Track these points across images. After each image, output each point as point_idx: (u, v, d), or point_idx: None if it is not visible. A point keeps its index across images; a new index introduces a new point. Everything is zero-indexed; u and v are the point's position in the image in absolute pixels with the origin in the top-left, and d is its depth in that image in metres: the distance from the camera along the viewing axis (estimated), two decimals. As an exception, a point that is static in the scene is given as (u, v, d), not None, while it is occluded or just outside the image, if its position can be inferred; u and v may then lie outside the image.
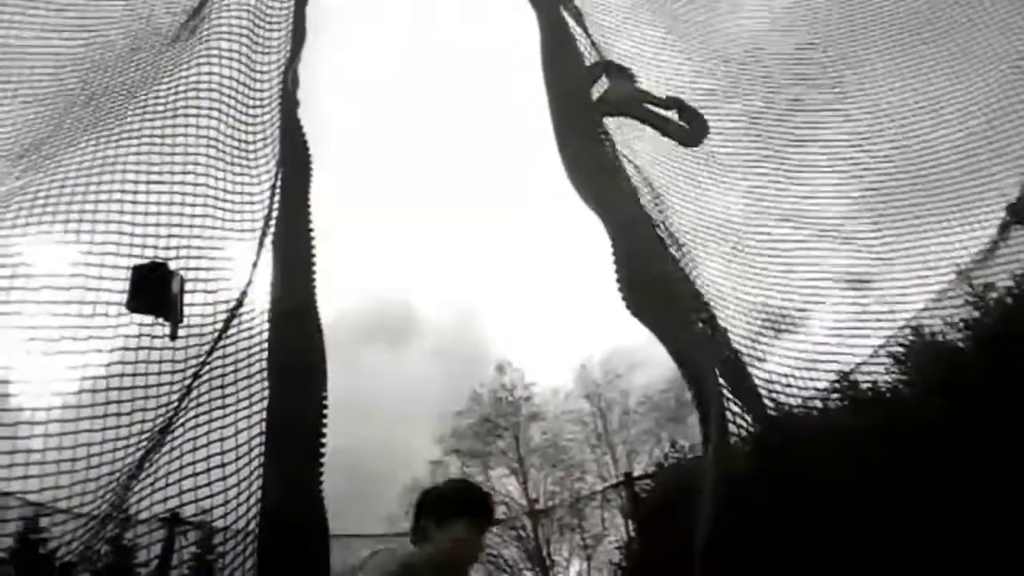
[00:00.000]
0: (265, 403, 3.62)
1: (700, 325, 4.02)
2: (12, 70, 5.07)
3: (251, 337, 3.91)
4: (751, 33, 6.18)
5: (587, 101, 4.63)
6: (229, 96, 4.52)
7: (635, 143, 4.86)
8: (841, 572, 3.33)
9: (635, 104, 4.70)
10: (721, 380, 3.63)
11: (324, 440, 3.54)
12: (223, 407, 3.73)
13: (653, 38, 5.81)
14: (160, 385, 3.85)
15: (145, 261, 3.96)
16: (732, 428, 3.44)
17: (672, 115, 4.71)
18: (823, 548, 3.30)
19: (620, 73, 4.90)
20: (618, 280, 3.73)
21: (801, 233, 5.14)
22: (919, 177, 5.48)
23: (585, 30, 5.22)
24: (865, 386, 4.76)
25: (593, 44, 5.20)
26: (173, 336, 3.82)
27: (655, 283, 3.83)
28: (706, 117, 4.85)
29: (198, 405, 3.79)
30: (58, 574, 3.94)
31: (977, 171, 5.43)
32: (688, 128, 4.67)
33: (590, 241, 4.00)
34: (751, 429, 3.61)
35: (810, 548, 3.28)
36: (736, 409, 3.57)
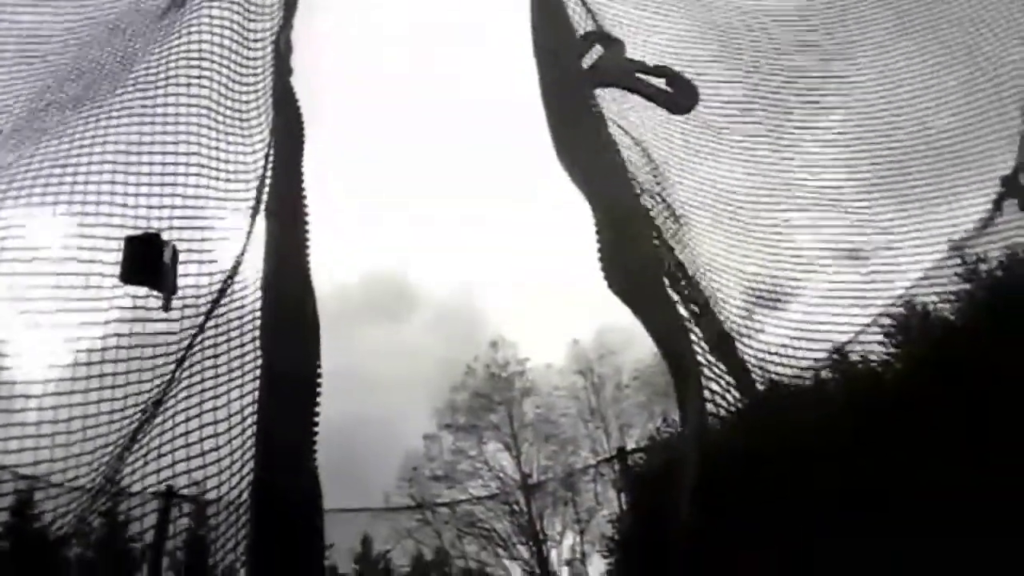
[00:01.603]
0: (258, 372, 3.61)
1: (685, 304, 4.01)
2: (5, 47, 5.04)
3: (244, 307, 3.90)
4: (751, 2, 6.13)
5: (577, 72, 4.59)
6: (221, 64, 4.48)
7: (632, 115, 4.82)
8: (824, 552, 3.35)
9: (624, 74, 4.65)
10: (705, 358, 3.63)
11: (317, 410, 3.54)
12: (216, 377, 3.72)
13: (650, 3, 5.76)
14: (155, 356, 3.85)
15: (138, 232, 3.94)
16: (711, 407, 3.44)
17: (661, 83, 4.66)
18: (804, 526, 3.31)
19: (611, 43, 4.85)
20: (600, 257, 3.72)
21: (797, 204, 5.13)
22: (915, 149, 5.47)
23: None
24: (856, 359, 4.77)
25: (588, 11, 5.15)
26: (167, 307, 3.81)
27: (638, 261, 3.82)
28: (697, 85, 4.80)
29: (191, 376, 3.78)
30: (51, 548, 3.94)
31: (972, 144, 5.42)
32: (676, 96, 4.63)
33: (584, 215, 3.99)
34: (734, 407, 3.61)
35: (791, 526, 3.30)
36: (718, 388, 3.57)
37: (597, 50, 4.85)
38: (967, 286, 4.88)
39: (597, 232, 3.76)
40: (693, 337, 3.64)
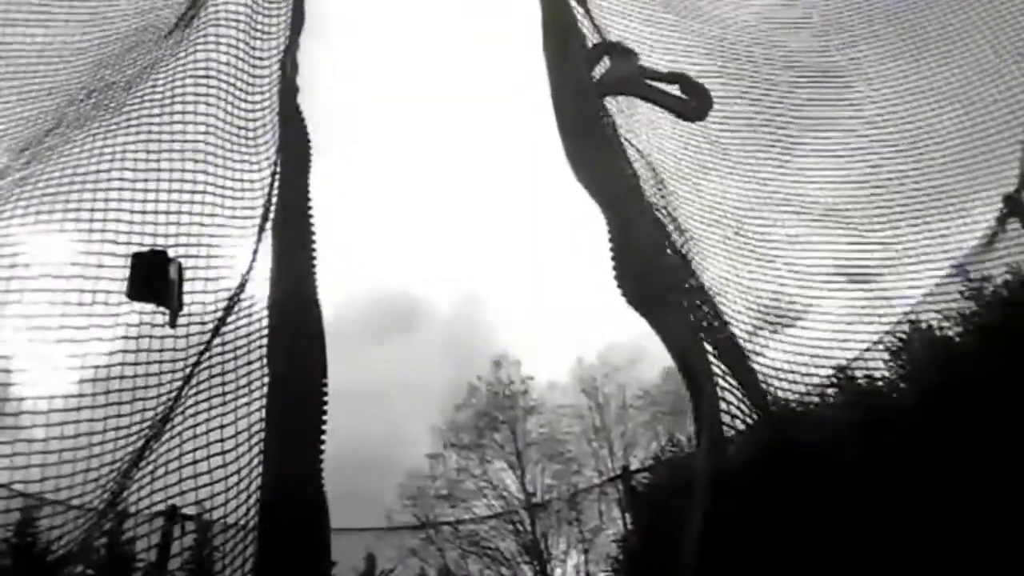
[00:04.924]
0: (265, 390, 3.61)
1: (698, 315, 4.00)
2: (16, 67, 5.09)
3: (251, 325, 3.91)
4: (756, 15, 6.15)
5: (588, 83, 4.58)
6: (227, 82, 4.50)
7: (639, 127, 4.83)
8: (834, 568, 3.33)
9: (636, 81, 4.64)
10: (719, 370, 3.62)
11: (325, 428, 3.53)
12: (223, 395, 3.72)
13: (656, 19, 5.78)
14: (161, 374, 3.85)
15: (145, 249, 3.96)
16: (726, 420, 3.43)
17: (674, 90, 4.64)
18: (815, 543, 3.30)
19: (622, 53, 4.83)
20: (615, 268, 3.70)
21: (801, 221, 5.13)
22: (918, 167, 5.48)
23: (587, 11, 5.18)
24: (862, 380, 4.77)
25: (595, 26, 5.17)
26: (173, 324, 3.82)
27: (653, 271, 3.81)
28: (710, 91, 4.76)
29: (198, 394, 3.78)
30: (55, 568, 3.93)
31: (976, 162, 5.43)
32: (691, 102, 4.60)
33: (590, 232, 3.98)
34: (747, 421, 3.60)
35: (801, 543, 3.28)
36: (733, 399, 3.56)
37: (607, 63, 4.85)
38: (971, 305, 4.88)
39: (611, 242, 3.74)
40: (708, 347, 3.63)
